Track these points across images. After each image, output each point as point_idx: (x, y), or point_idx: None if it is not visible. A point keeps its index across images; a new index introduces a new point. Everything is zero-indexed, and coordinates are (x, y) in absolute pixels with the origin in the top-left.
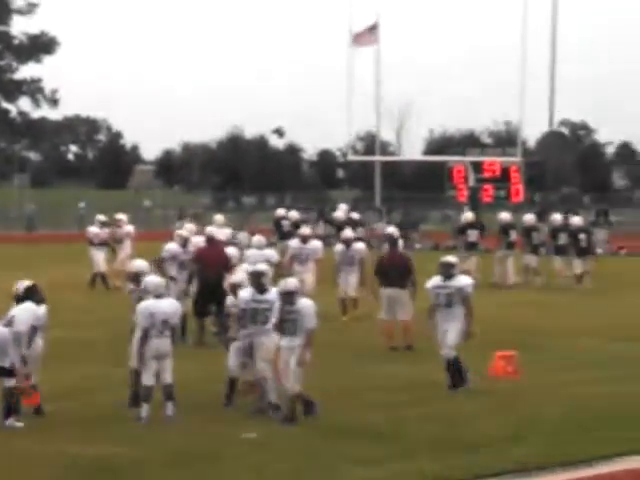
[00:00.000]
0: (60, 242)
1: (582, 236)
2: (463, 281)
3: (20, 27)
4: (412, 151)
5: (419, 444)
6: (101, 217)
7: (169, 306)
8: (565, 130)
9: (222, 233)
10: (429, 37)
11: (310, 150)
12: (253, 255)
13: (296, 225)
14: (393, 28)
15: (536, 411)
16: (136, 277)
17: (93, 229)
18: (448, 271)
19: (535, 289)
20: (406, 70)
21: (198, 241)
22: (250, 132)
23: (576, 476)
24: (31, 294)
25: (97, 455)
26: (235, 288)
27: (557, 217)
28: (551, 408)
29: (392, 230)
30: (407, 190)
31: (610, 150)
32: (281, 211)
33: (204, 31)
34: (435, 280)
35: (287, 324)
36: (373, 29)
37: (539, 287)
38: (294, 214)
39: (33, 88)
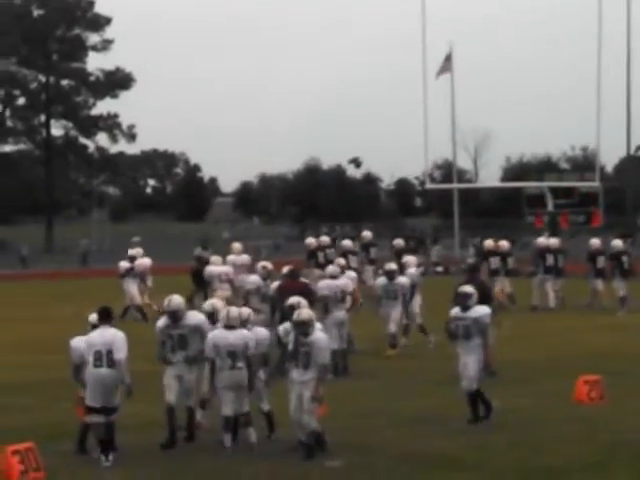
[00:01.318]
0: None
1: (624, 259)
2: (480, 311)
3: (96, 64)
4: (489, 178)
5: (503, 471)
6: (132, 251)
7: (237, 337)
8: None
9: (241, 260)
10: (505, 64)
11: (387, 179)
12: (327, 284)
13: (313, 253)
14: (468, 55)
15: (621, 437)
16: (174, 315)
17: (123, 263)
18: (465, 302)
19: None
20: (481, 98)
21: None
22: (327, 162)
23: None
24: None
25: None
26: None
27: (595, 241)
28: (636, 434)
29: (471, 259)
30: (485, 217)
31: None
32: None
33: (279, 60)
34: (455, 311)
35: (300, 356)
36: (448, 58)
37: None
38: (324, 239)
39: (110, 123)
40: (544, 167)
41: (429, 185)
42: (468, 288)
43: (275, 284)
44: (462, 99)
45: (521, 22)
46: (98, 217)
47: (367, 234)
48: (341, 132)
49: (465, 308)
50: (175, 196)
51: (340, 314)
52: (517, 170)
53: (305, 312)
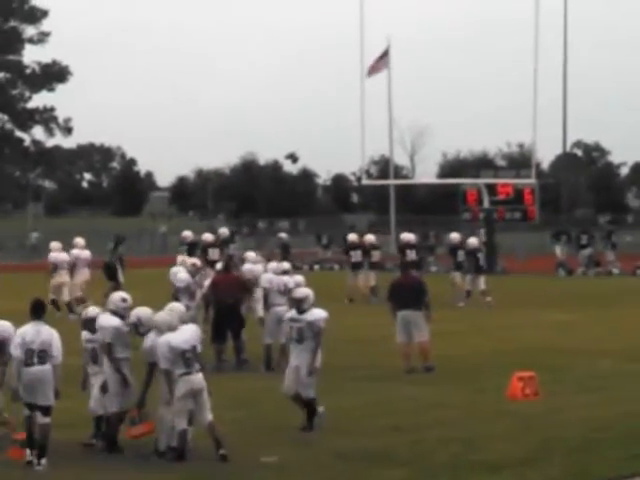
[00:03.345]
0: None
1: (479, 255)
2: (316, 315)
3: (32, 56)
4: (426, 174)
5: (439, 466)
6: None
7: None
8: (579, 152)
9: (84, 255)
10: (442, 62)
11: (324, 175)
12: (270, 279)
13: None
14: (406, 52)
15: (554, 433)
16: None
17: None
18: (299, 306)
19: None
20: (419, 94)
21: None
22: (264, 157)
23: None
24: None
25: None
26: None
27: (455, 236)
28: (570, 429)
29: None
30: (422, 213)
31: (624, 171)
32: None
33: (217, 56)
34: (291, 312)
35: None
36: (384, 55)
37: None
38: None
39: (46, 117)
40: (480, 163)
41: (365, 181)
42: (300, 292)
43: (208, 281)
44: (399, 95)
45: (458, 17)
46: (34, 211)
47: (224, 231)
48: (278, 127)
49: (301, 311)
50: (111, 190)
51: (281, 309)
52: (453, 166)
53: (91, 309)
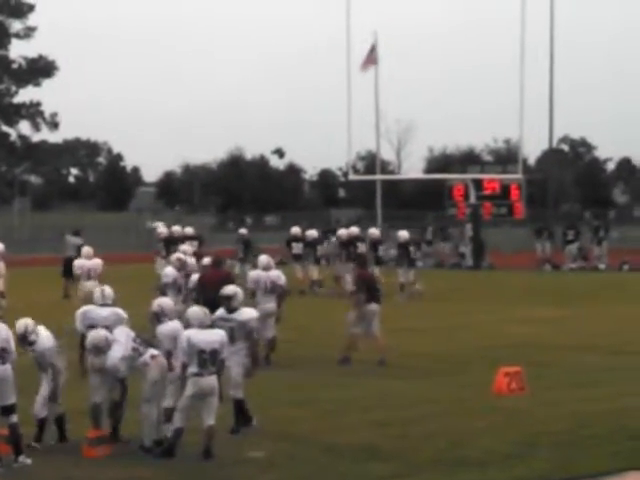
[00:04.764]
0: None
1: (411, 248)
2: (247, 314)
3: (18, 51)
4: (412, 170)
5: (425, 461)
6: None
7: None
8: (565, 147)
9: None
10: (429, 57)
11: (310, 170)
12: (257, 276)
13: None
14: (393, 47)
15: (541, 427)
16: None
17: None
18: (228, 304)
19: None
20: (406, 89)
21: None
22: (251, 152)
23: None
24: None
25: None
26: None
27: (374, 231)
28: (556, 424)
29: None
30: (408, 208)
31: (610, 166)
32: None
33: (203, 50)
34: (219, 312)
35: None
36: (372, 50)
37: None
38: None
39: (32, 112)
40: (467, 159)
41: (352, 176)
42: (229, 290)
43: (195, 276)
44: (386, 90)
45: (445, 12)
46: (20, 206)
47: (177, 229)
48: (264, 123)
49: (231, 310)
50: (98, 185)
51: (268, 306)
52: (440, 162)
53: (22, 322)
